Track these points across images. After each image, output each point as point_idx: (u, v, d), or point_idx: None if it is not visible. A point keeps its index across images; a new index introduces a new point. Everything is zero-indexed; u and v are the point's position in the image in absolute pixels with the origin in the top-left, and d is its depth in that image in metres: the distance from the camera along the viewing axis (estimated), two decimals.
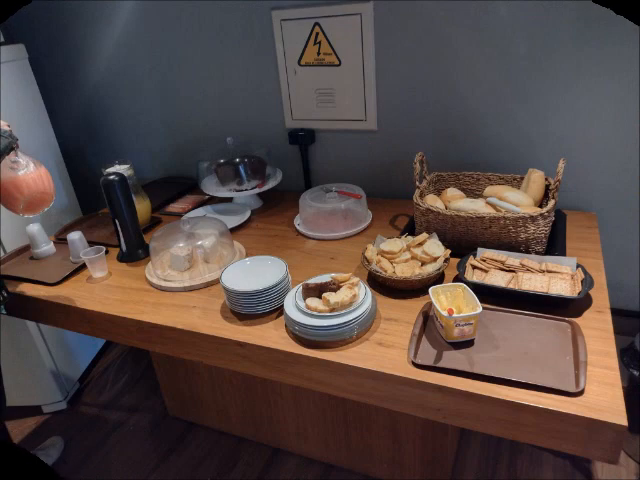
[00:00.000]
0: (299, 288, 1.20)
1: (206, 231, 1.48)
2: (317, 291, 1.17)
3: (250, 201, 1.89)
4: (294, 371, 1.14)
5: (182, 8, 1.90)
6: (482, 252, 1.32)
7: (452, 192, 1.58)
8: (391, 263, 1.31)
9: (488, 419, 0.96)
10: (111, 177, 1.50)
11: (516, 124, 1.62)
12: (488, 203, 1.44)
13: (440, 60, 1.63)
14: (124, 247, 1.58)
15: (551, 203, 1.31)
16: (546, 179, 1.49)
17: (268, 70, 1.89)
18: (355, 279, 1.18)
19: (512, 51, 1.53)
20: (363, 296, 1.15)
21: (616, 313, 1.29)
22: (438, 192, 1.66)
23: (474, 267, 1.29)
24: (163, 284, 1.41)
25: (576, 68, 1.48)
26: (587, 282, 1.16)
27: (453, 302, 1.10)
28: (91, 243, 1.62)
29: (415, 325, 1.12)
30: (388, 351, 1.08)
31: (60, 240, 1.74)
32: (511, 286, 1.19)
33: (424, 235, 1.35)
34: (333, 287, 1.16)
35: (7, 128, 1.19)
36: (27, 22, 2.22)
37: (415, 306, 1.22)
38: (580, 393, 0.91)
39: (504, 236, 1.34)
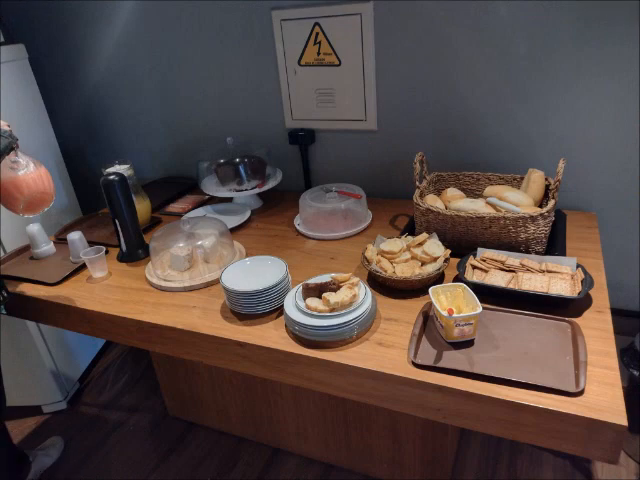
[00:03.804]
0: (299, 288, 1.20)
1: (206, 231, 1.47)
2: (317, 291, 1.17)
3: (250, 201, 1.89)
4: (294, 371, 1.14)
5: (182, 8, 1.90)
6: (482, 252, 1.32)
7: (452, 192, 1.58)
8: (391, 263, 1.31)
9: (488, 419, 0.96)
10: (111, 177, 1.50)
11: (516, 124, 1.62)
12: (488, 203, 1.44)
13: (440, 60, 1.63)
14: (124, 247, 1.58)
15: (551, 203, 1.31)
16: (546, 179, 1.49)
17: (268, 70, 1.89)
18: (355, 279, 1.18)
19: (512, 51, 1.53)
20: (363, 296, 1.15)
21: (616, 313, 1.29)
22: (438, 192, 1.66)
23: (474, 267, 1.29)
24: (163, 284, 1.41)
25: (576, 68, 1.48)
26: (587, 282, 1.15)
27: (453, 302, 1.10)
28: (91, 243, 1.62)
29: (415, 325, 1.12)
30: (388, 351, 1.08)
31: (60, 240, 1.74)
32: (511, 286, 1.19)
33: (424, 235, 1.35)
34: (333, 287, 1.16)
35: (7, 128, 1.19)
36: (27, 22, 2.22)
37: (415, 306, 1.22)
38: (580, 393, 0.91)
39: (504, 236, 1.34)
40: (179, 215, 1.88)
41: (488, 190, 1.52)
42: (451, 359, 1.02)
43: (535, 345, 1.04)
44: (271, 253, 1.48)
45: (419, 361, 1.02)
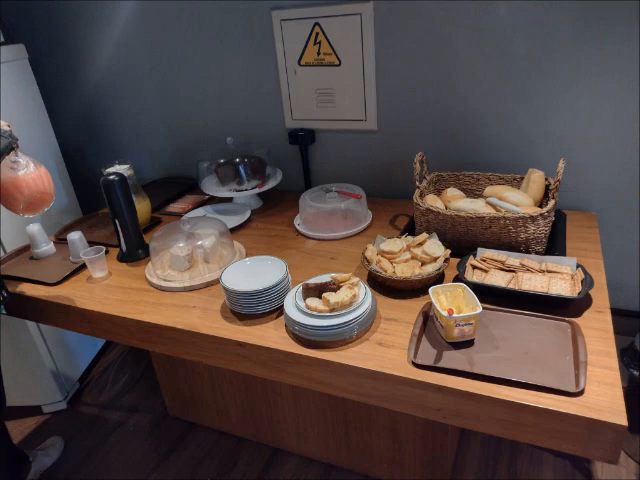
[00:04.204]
0: (299, 288, 1.20)
1: (206, 231, 1.48)
2: (317, 291, 1.17)
3: (250, 201, 1.89)
4: (294, 371, 1.14)
5: (182, 8, 1.90)
6: (482, 252, 1.32)
7: (452, 192, 1.58)
8: (391, 263, 1.31)
9: (488, 419, 0.96)
10: (111, 177, 1.50)
11: (516, 124, 1.62)
12: (488, 203, 1.44)
13: (440, 60, 1.63)
14: (124, 247, 1.58)
15: (551, 203, 1.31)
16: (546, 179, 1.49)
17: (268, 70, 1.89)
18: (355, 279, 1.18)
19: (512, 51, 1.53)
20: (363, 296, 1.15)
21: (616, 313, 1.29)
22: (438, 192, 1.66)
23: (474, 267, 1.29)
24: (163, 284, 1.41)
25: (576, 68, 1.48)
26: (587, 282, 1.16)
27: (453, 302, 1.10)
28: (91, 243, 1.62)
29: (415, 325, 1.12)
30: (388, 351, 1.08)
31: (60, 240, 1.74)
32: (511, 286, 1.19)
33: (424, 235, 1.35)
34: (333, 287, 1.16)
35: (7, 128, 1.19)
36: (27, 22, 2.22)
37: (415, 306, 1.22)
38: (580, 393, 0.91)
39: (504, 236, 1.34)
40: (179, 215, 1.88)
41: (488, 190, 1.52)
42: (451, 359, 1.02)
43: (535, 345, 1.04)
44: (271, 253, 1.48)
45: (419, 361, 1.02)
